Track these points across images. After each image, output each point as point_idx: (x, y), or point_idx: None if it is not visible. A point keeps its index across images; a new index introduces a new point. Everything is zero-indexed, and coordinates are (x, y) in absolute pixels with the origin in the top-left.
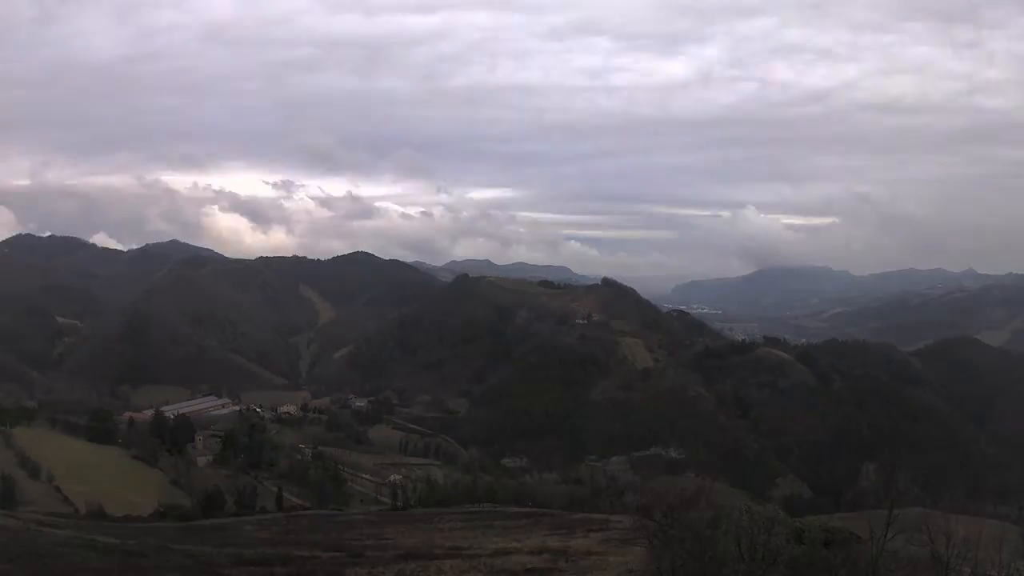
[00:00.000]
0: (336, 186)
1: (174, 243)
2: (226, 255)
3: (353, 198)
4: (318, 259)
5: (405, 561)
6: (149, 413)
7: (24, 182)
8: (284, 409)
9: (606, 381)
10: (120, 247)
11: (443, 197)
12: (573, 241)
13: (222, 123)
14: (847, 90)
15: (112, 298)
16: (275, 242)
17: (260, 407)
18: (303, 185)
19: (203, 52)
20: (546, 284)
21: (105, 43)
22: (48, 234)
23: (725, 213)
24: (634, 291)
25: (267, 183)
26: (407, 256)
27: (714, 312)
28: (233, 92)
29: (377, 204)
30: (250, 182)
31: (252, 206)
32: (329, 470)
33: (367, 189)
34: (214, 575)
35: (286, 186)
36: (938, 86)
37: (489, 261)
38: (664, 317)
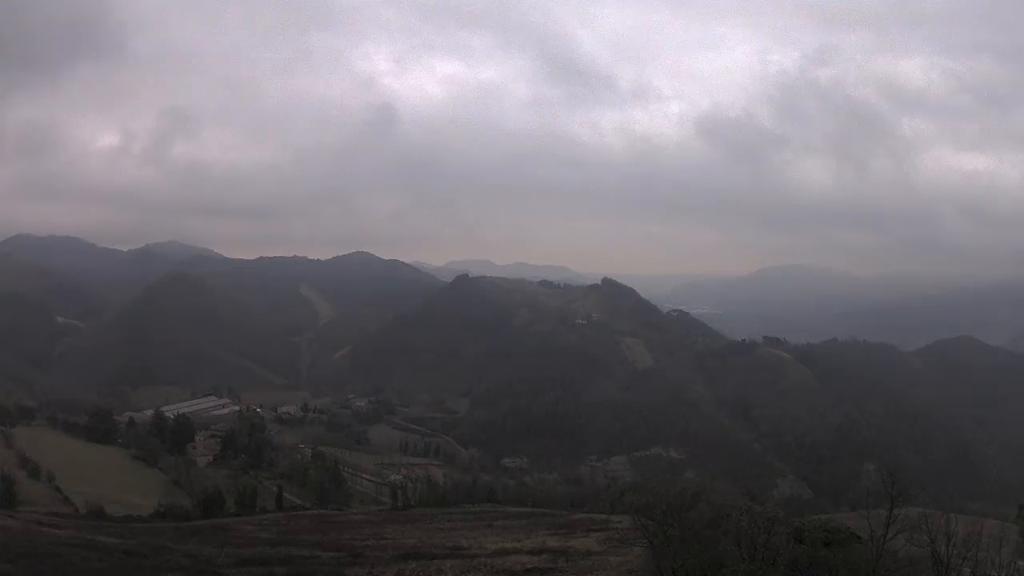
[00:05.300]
0: None
1: (174, 243)
2: (226, 255)
3: None
4: (318, 259)
5: (405, 561)
6: (149, 413)
7: None
8: (284, 409)
9: (606, 381)
10: (120, 247)
11: None
12: None
13: None
14: None
15: (112, 298)
16: None
17: (260, 407)
18: None
19: None
20: (546, 284)
21: None
22: (48, 234)
23: None
24: (634, 291)
25: None
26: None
27: (714, 312)
28: None
29: None
30: None
31: None
32: (329, 470)
33: None
34: (214, 575)
35: None
36: None
37: (489, 261)
38: (664, 317)
